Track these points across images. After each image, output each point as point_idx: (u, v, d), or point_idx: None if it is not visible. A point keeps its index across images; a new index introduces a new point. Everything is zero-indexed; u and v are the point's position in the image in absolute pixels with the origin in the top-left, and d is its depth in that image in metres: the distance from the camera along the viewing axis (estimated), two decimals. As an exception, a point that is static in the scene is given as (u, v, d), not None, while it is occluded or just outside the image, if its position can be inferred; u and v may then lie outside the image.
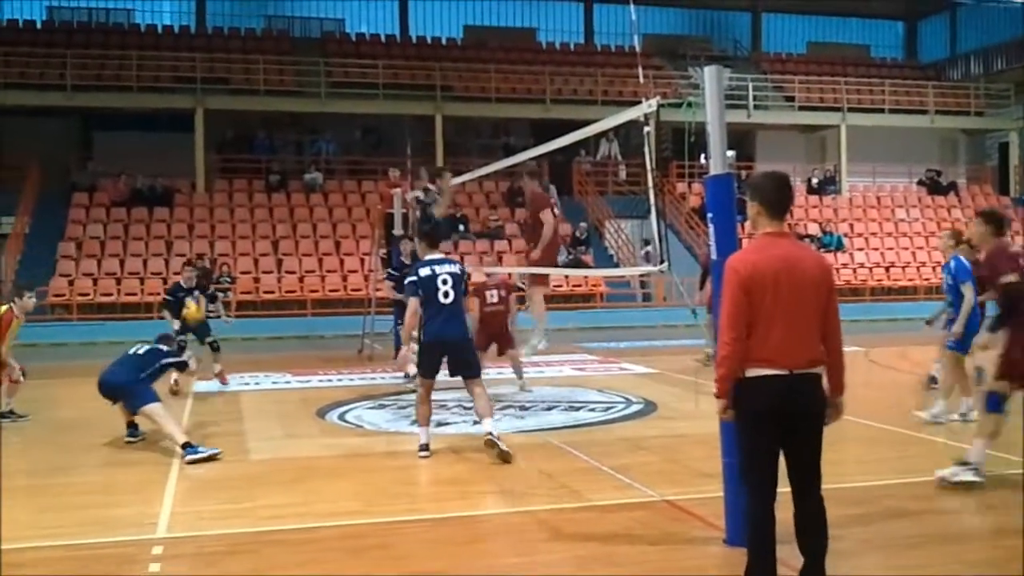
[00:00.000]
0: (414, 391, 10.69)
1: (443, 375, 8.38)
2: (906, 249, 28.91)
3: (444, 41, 32.30)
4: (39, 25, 29.58)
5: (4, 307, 10.15)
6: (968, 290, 8.92)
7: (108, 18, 31.06)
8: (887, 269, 27.87)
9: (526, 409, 10.67)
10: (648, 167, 6.98)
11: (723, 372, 4.42)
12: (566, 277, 24.21)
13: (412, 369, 10.65)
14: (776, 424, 4.37)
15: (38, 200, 24.68)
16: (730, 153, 5.78)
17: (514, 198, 27.78)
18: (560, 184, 28.93)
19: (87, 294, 22.11)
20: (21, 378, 10.40)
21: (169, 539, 5.90)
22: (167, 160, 25.82)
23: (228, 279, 22.79)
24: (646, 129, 6.60)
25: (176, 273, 22.55)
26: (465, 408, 10.62)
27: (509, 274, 12.97)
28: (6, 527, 6.22)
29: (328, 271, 24.11)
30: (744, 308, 4.36)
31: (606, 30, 34.19)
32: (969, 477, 6.71)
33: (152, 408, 8.60)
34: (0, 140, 27.05)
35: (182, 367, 9.93)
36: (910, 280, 27.23)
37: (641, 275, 24.85)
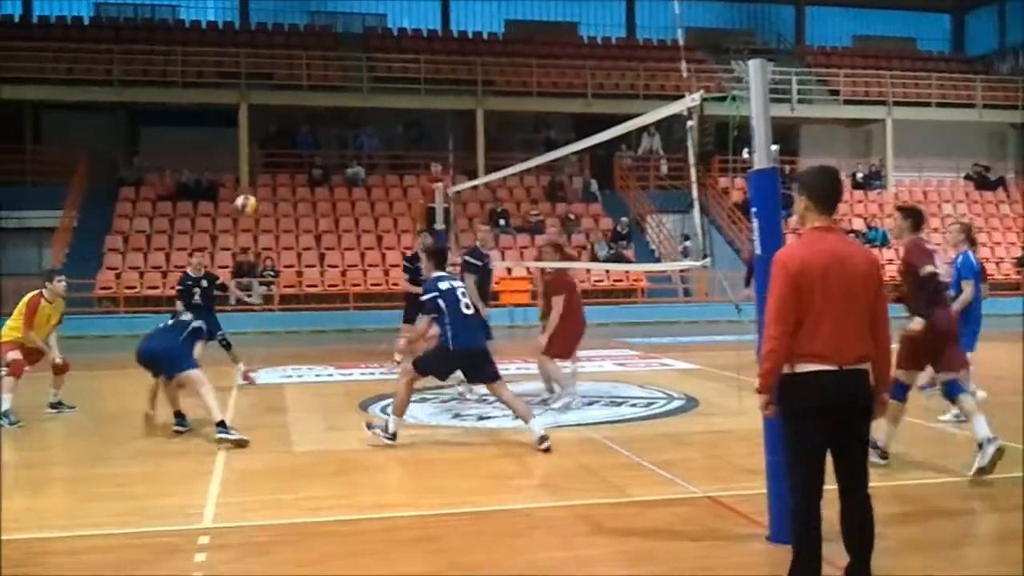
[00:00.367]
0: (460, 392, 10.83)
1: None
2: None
3: (485, 35, 32.32)
4: (87, 22, 30.02)
5: (33, 292, 10.23)
6: (969, 286, 8.93)
7: (154, 14, 31.43)
8: (933, 265, 27.45)
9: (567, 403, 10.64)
10: (690, 161, 6.95)
11: (768, 366, 4.39)
12: (607, 272, 24.16)
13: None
14: (825, 421, 4.33)
15: (86, 194, 25.06)
16: (774, 147, 5.73)
17: (554, 193, 27.77)
18: (601, 178, 28.89)
19: (133, 287, 22.41)
20: (58, 359, 10.34)
21: (214, 529, 5.97)
22: (212, 155, 26.10)
23: (272, 273, 23.00)
24: (689, 123, 6.57)
25: (178, 266, 22.85)
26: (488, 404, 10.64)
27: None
28: (56, 516, 6.35)
29: (370, 265, 24.24)
30: (792, 303, 4.32)
31: (648, 24, 34.02)
32: (991, 449, 6.78)
33: (193, 374, 8.80)
34: (49, 135, 27.52)
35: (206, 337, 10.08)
36: (957, 276, 26.81)
37: (683, 270, 24.73)
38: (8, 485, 7.18)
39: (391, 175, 28.14)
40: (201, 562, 5.39)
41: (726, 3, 35.34)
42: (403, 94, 27.45)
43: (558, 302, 10.39)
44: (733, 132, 6.06)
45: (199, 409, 9.39)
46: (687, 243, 25.86)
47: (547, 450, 7.94)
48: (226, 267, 22.93)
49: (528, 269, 21.55)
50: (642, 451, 8.01)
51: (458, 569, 5.27)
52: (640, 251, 25.97)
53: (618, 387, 11.96)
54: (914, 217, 7.54)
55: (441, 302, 8.40)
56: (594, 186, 28.46)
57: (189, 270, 13.11)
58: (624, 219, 26.33)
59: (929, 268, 7.18)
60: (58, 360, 10.32)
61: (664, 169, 29.62)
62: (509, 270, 23.10)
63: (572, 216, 26.43)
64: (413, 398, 11.06)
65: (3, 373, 9.98)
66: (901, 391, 7.17)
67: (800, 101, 29.71)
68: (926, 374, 9.23)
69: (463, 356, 8.47)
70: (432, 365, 8.60)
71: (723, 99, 6.11)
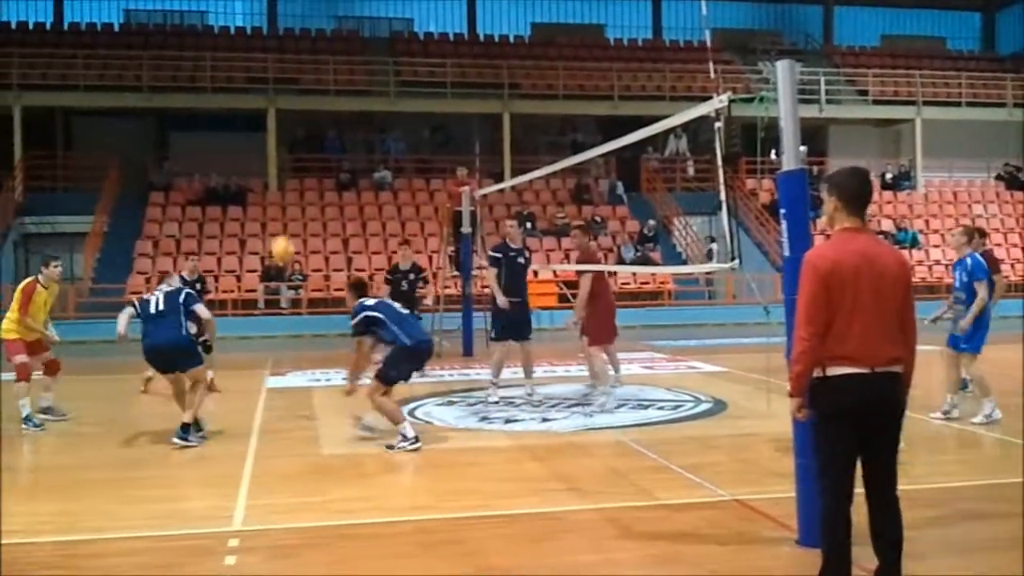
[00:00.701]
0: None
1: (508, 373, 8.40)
2: (983, 245, 28.16)
3: (512, 39, 32.34)
4: (117, 28, 30.31)
5: (29, 279, 10.24)
6: (983, 288, 8.96)
7: (183, 20, 31.71)
8: (964, 266, 27.17)
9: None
10: (718, 163, 6.92)
11: (799, 368, 4.38)
12: (634, 275, 24.10)
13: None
14: (856, 424, 4.31)
15: (116, 199, 25.28)
16: (802, 148, 5.71)
17: (581, 195, 27.74)
18: (628, 181, 28.83)
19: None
20: (56, 339, 10.37)
21: (244, 532, 6.01)
22: (240, 160, 26.27)
23: (300, 277, 23.12)
24: (717, 125, 6.55)
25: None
26: (533, 406, 10.66)
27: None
28: (88, 518, 6.41)
29: (397, 269, 24.28)
30: (823, 304, 4.31)
31: (674, 25, 33.92)
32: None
33: (202, 371, 9.10)
34: (80, 141, 27.82)
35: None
36: (988, 277, 26.52)
37: (709, 273, 24.63)
38: (40, 488, 7.27)
39: (418, 179, 28.22)
40: (231, 565, 5.42)
41: (753, 3, 35.19)
42: (429, 98, 27.52)
43: (585, 280, 10.61)
44: (761, 133, 6.03)
45: (232, 414, 9.49)
46: (712, 245, 25.76)
47: (415, 449, 8.28)
48: (255, 271, 23.09)
49: (555, 272, 21.55)
50: (670, 454, 7.99)
51: (487, 572, 5.28)
52: (667, 253, 25.87)
53: (645, 390, 11.92)
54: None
55: (375, 315, 8.66)
56: (620, 188, 28.40)
57: (184, 273, 12.82)
58: (651, 221, 26.26)
59: None
60: (56, 339, 10.32)
61: (691, 171, 29.54)
62: (536, 272, 23.10)
63: (598, 219, 26.39)
64: (439, 401, 11.15)
65: (14, 379, 10.02)
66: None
67: (828, 101, 29.52)
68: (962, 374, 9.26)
69: (419, 349, 8.75)
70: (394, 370, 8.70)
71: (751, 100, 6.08)
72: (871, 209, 29.11)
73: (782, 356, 5.74)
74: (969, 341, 9.08)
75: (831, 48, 34.18)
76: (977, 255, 9.28)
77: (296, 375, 13.88)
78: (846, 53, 33.80)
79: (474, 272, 16.34)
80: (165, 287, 9.78)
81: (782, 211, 5.63)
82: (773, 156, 6.13)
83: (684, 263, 25.12)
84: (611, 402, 10.52)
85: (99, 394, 12.27)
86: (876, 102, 30.53)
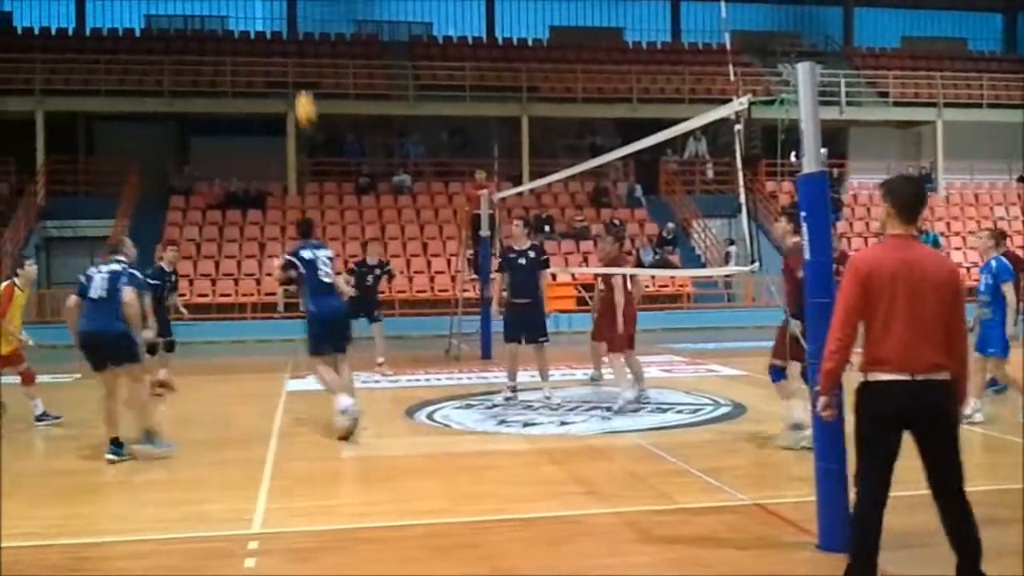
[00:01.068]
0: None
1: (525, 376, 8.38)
2: (1005, 247, 27.94)
3: (530, 42, 32.37)
4: (138, 34, 30.52)
5: (5, 282, 10.04)
6: (1010, 290, 8.94)
7: (203, 25, 31.90)
8: (986, 269, 26.98)
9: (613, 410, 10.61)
10: (738, 166, 6.90)
11: (829, 367, 4.42)
12: (652, 277, 24.04)
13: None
14: (896, 430, 4.33)
15: (137, 204, 25.44)
16: (822, 151, 5.67)
17: (599, 198, 27.70)
18: (646, 183, 28.78)
19: (183, 295, 22.49)
20: (31, 342, 10.26)
21: (263, 534, 6.02)
22: (260, 164, 26.39)
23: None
24: (736, 127, 6.53)
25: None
26: (551, 409, 10.65)
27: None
28: (107, 521, 6.44)
29: (416, 272, 24.35)
30: (859, 305, 4.35)
31: (694, 28, 33.85)
32: (807, 434, 7.21)
33: (140, 371, 8.37)
34: (102, 146, 28.02)
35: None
36: (1010, 280, 26.31)
37: (728, 275, 24.54)
38: (52, 491, 7.30)
39: (436, 182, 28.27)
40: (250, 567, 5.43)
41: (773, 5, 35.07)
42: (448, 101, 27.56)
43: (619, 281, 10.43)
44: (781, 135, 6.00)
45: (251, 417, 9.49)
46: (731, 248, 25.66)
47: (350, 419, 8.73)
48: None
49: (574, 276, 21.52)
50: (689, 458, 7.96)
51: (504, 575, 5.27)
52: (686, 256, 25.81)
53: (664, 393, 11.87)
54: (796, 220, 7.41)
55: (301, 270, 9.00)
56: (639, 191, 28.35)
57: (163, 264, 12.62)
58: (670, 224, 26.20)
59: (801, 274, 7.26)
60: (30, 342, 10.21)
61: (710, 173, 29.45)
62: (554, 276, 23.09)
63: (617, 221, 26.32)
64: (457, 404, 11.16)
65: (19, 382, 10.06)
66: (777, 375, 8.23)
67: (848, 103, 29.37)
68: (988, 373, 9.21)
69: (326, 320, 9.04)
70: (313, 341, 9.06)
71: (771, 102, 6.07)
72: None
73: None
74: (996, 344, 9.04)
75: (851, 50, 34.02)
76: (1001, 258, 9.22)
77: (315, 378, 13.87)
78: (866, 55, 33.63)
79: (492, 275, 16.35)
80: (107, 267, 8.58)
81: (802, 214, 5.59)
82: (793, 158, 6.14)
83: (703, 266, 25.05)
84: (628, 406, 10.43)
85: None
86: (896, 104, 30.36)
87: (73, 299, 8.46)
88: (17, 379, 10.12)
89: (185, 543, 5.89)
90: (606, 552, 5.65)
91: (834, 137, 29.57)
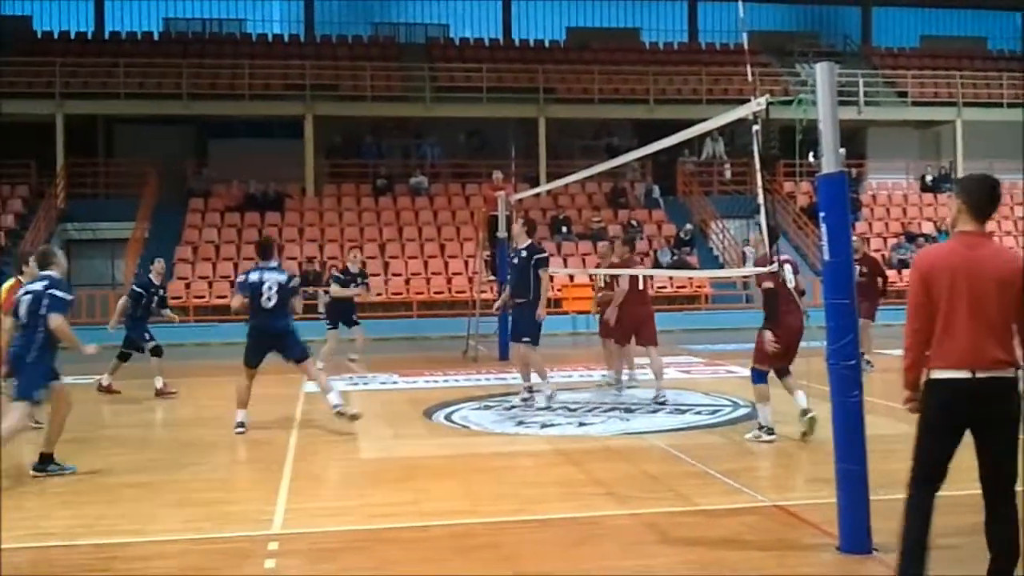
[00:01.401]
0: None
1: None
2: (1027, 248, 27.80)
3: (547, 43, 32.38)
4: (156, 37, 30.70)
5: (11, 280, 9.90)
6: None
7: (221, 28, 32.06)
8: (1006, 269, 26.78)
9: (632, 411, 10.62)
10: (756, 166, 6.88)
11: (905, 363, 4.51)
12: (670, 279, 24.00)
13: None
14: (955, 428, 4.36)
15: (156, 206, 25.60)
16: (841, 151, 5.65)
17: (616, 199, 27.67)
18: (664, 184, 28.73)
19: (202, 296, 22.81)
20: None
21: (284, 535, 6.05)
22: (278, 166, 26.49)
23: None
24: (755, 127, 6.51)
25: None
26: (570, 410, 10.65)
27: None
28: (128, 521, 6.48)
29: (433, 273, 24.40)
30: (922, 302, 4.41)
31: (711, 28, 33.80)
32: (766, 437, 8.56)
33: (25, 408, 7.56)
34: (121, 149, 28.20)
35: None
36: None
37: (746, 276, 24.45)
38: (78, 492, 7.34)
39: (454, 184, 28.31)
40: (271, 568, 5.45)
41: (790, 5, 34.94)
42: (465, 103, 27.60)
43: (624, 281, 11.16)
44: (799, 136, 5.99)
45: (271, 419, 9.54)
46: (746, 248, 25.56)
47: (352, 418, 9.29)
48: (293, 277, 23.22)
49: (591, 277, 21.48)
50: (708, 459, 7.94)
51: (524, 576, 5.28)
52: (704, 257, 25.75)
53: (683, 394, 11.85)
54: (770, 237, 7.87)
55: (245, 293, 9.52)
56: (656, 192, 28.31)
57: (152, 276, 12.73)
58: (687, 225, 26.16)
59: (768, 284, 8.14)
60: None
61: (728, 174, 29.37)
62: (571, 277, 23.09)
63: (635, 223, 26.32)
64: (475, 405, 11.17)
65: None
66: (759, 377, 8.74)
67: (867, 103, 29.25)
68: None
69: (257, 336, 9.55)
70: (245, 352, 9.63)
71: (789, 103, 6.04)
72: (911, 212, 28.89)
73: (822, 360, 5.70)
74: None
75: (870, 49, 33.87)
76: None
77: (333, 379, 13.92)
78: (885, 54, 33.48)
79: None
80: (31, 287, 7.88)
81: (821, 214, 5.57)
82: (811, 159, 6.13)
83: (721, 267, 24.98)
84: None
85: (138, 398, 12.39)
86: (915, 103, 30.21)
87: (8, 321, 8.14)
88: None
89: (206, 543, 5.92)
90: (626, 554, 5.64)
91: (852, 137, 29.45)
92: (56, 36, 29.88)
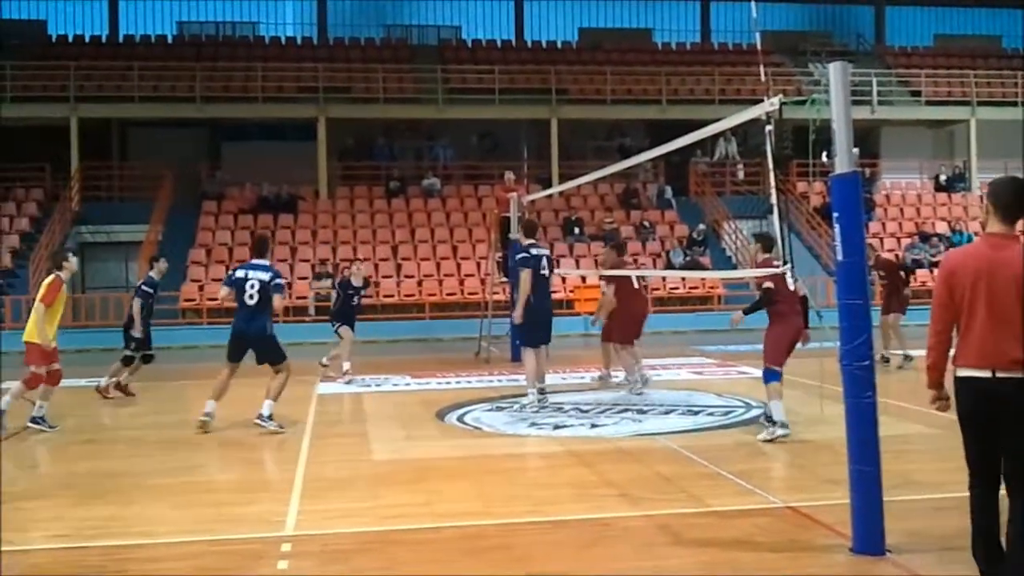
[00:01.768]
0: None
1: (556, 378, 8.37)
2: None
3: (559, 44, 32.36)
4: (170, 40, 30.82)
5: (52, 276, 10.00)
6: None
7: (234, 31, 32.18)
8: (1022, 269, 26.65)
9: (644, 412, 10.60)
10: (769, 166, 6.86)
11: (928, 362, 4.60)
12: (683, 279, 23.95)
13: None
14: (980, 426, 4.42)
15: (170, 209, 25.68)
16: (854, 151, 5.63)
17: (629, 200, 27.64)
18: (676, 185, 28.68)
19: (215, 299, 22.85)
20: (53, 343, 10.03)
21: (296, 536, 6.06)
22: (291, 168, 26.55)
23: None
24: (768, 127, 6.50)
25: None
26: (582, 411, 10.64)
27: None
28: (141, 523, 6.50)
29: (445, 275, 24.41)
30: (945, 303, 4.50)
31: (723, 28, 33.72)
32: (780, 432, 8.69)
33: None
34: (135, 152, 28.33)
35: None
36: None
37: (759, 277, 24.36)
38: (91, 494, 7.37)
39: (466, 185, 28.32)
40: (284, 569, 5.47)
41: (803, 5, 34.85)
42: (478, 104, 27.62)
43: (610, 290, 11.88)
44: (812, 135, 5.97)
45: (283, 420, 9.57)
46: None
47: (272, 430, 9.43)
48: (305, 279, 23.31)
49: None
50: (720, 460, 7.92)
51: (536, 578, 5.27)
52: (716, 258, 25.69)
53: (695, 396, 11.84)
54: (765, 242, 9.45)
55: (231, 289, 9.88)
56: (669, 192, 28.26)
57: (153, 274, 12.76)
58: (700, 226, 26.09)
59: (768, 284, 8.95)
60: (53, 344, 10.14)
61: (740, 174, 29.30)
62: (583, 279, 23.06)
63: (647, 223, 26.28)
64: (487, 407, 11.16)
65: (21, 383, 10.04)
66: (772, 375, 9.02)
67: (880, 103, 29.14)
68: None
69: (236, 337, 9.84)
70: (228, 348, 9.94)
71: (802, 102, 6.03)
72: (925, 211, 28.71)
73: (835, 361, 5.67)
74: None
75: (883, 49, 33.74)
76: None
77: (342, 380, 13.96)
78: (898, 53, 33.34)
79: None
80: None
81: (835, 215, 5.55)
82: (824, 158, 6.09)
83: (734, 267, 24.91)
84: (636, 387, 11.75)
85: (152, 400, 12.45)
86: (929, 103, 30.07)
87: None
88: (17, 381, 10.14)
89: (219, 545, 5.94)
90: (638, 555, 5.63)
91: (866, 137, 29.34)
92: (70, 40, 30.03)
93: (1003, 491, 4.50)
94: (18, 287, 22.18)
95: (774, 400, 8.89)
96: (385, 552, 5.75)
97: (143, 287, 12.64)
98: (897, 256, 24.63)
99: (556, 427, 9.83)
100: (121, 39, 30.62)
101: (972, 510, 4.53)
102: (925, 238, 26.17)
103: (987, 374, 4.35)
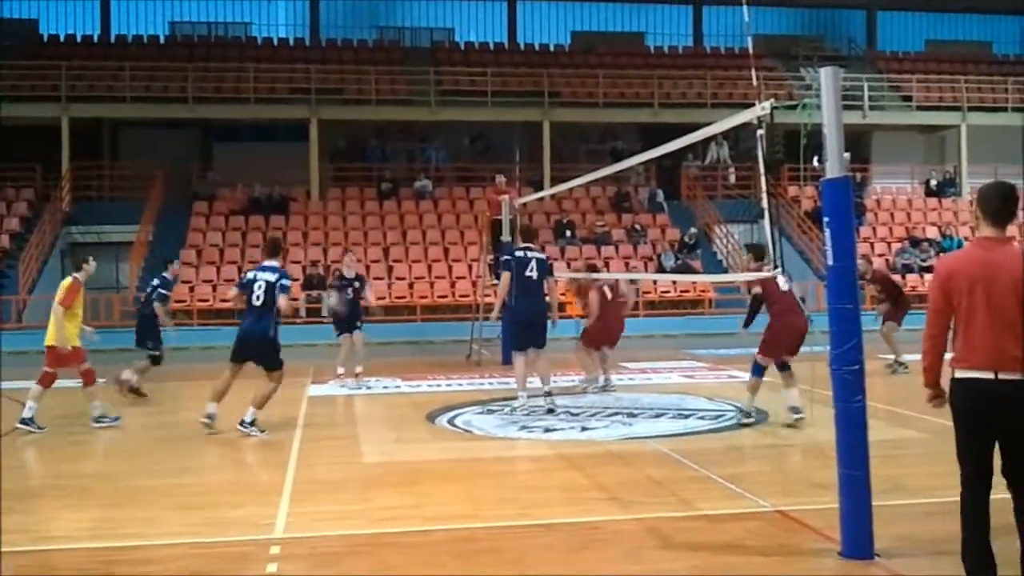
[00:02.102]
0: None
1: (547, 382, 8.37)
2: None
3: (552, 47, 32.37)
4: (162, 40, 30.76)
5: (69, 279, 10.26)
6: None
7: (227, 32, 32.11)
8: (1011, 274, 26.73)
9: (634, 416, 10.61)
10: (760, 170, 6.87)
11: (923, 364, 4.68)
12: (674, 283, 23.97)
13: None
14: (979, 426, 4.46)
15: (161, 209, 25.63)
16: (845, 155, 5.65)
17: (620, 203, 27.67)
18: (668, 188, 28.72)
19: (206, 300, 22.82)
20: (95, 336, 10.63)
21: (286, 539, 6.05)
22: (283, 169, 26.51)
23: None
24: (759, 132, 6.51)
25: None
26: (572, 415, 10.64)
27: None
28: (130, 525, 6.48)
29: (437, 277, 24.38)
30: (940, 308, 4.57)
31: (715, 32, 33.78)
32: (744, 420, 9.70)
33: None
34: (126, 152, 28.26)
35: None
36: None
37: (750, 282, 24.40)
38: (81, 495, 7.35)
39: (458, 187, 28.31)
40: (273, 572, 5.45)
41: (795, 9, 34.93)
42: (470, 107, 27.62)
43: (594, 297, 12.57)
44: (803, 140, 5.98)
45: (273, 423, 9.55)
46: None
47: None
48: (296, 280, 23.26)
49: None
50: (710, 464, 7.93)
51: (526, 581, 5.27)
52: (707, 261, 25.72)
53: (686, 399, 11.86)
54: (756, 252, 10.33)
55: (243, 288, 10.04)
56: (660, 196, 28.28)
57: (167, 275, 12.91)
58: (691, 229, 26.10)
59: (757, 289, 9.76)
60: (95, 337, 10.53)
61: (732, 178, 29.36)
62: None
63: (639, 227, 26.30)
64: (478, 410, 11.16)
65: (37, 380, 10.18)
66: (758, 371, 9.71)
67: (872, 108, 29.19)
68: None
69: (241, 338, 9.94)
70: (232, 350, 10.03)
71: (793, 107, 6.04)
72: (915, 216, 28.76)
73: (825, 365, 5.69)
74: None
75: (874, 54, 33.85)
76: None
77: (337, 383, 13.94)
78: (890, 58, 33.44)
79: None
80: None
81: (825, 219, 5.57)
82: (815, 163, 6.13)
83: (725, 271, 24.96)
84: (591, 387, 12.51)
85: (142, 401, 12.41)
86: (920, 108, 30.16)
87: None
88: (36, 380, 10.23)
89: (208, 548, 5.93)
90: (626, 559, 5.64)
91: (857, 141, 29.43)
92: (62, 39, 29.94)
93: (995, 495, 4.52)
94: (8, 287, 22.12)
95: (750, 392, 9.80)
96: (375, 555, 5.75)
97: (160, 289, 12.75)
98: (887, 262, 24.71)
99: (546, 430, 9.83)
100: (113, 39, 30.53)
101: (963, 510, 4.56)
102: (916, 243, 26.24)
103: (989, 375, 4.40)
